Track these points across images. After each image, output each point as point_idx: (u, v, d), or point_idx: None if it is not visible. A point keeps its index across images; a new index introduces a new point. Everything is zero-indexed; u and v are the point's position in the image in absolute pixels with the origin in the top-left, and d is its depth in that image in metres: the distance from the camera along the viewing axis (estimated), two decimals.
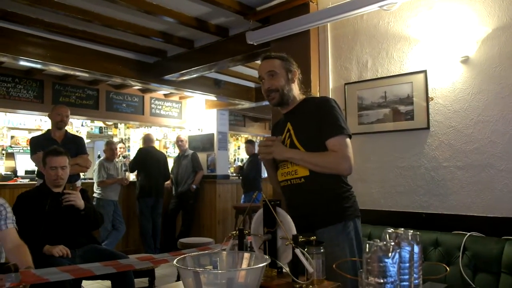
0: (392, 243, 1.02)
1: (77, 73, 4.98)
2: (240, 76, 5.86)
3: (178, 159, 6.57)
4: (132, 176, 6.59)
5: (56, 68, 4.57)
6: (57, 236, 2.75)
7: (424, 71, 2.74)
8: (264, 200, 1.46)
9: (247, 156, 7.47)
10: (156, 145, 7.22)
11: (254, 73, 5.47)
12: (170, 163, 6.60)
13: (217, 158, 6.83)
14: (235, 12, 3.55)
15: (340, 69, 3.19)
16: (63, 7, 3.50)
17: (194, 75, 5.02)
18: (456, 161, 2.62)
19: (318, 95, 3.18)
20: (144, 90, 6.83)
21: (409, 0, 2.80)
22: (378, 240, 1.02)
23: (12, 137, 7.08)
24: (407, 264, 1.07)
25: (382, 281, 0.97)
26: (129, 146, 8.22)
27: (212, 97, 6.33)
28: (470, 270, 2.30)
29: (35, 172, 4.22)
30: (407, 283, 1.06)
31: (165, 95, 7.25)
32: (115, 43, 4.45)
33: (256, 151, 7.08)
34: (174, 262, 1.08)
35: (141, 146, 6.77)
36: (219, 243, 4.49)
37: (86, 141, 5.52)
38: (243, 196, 6.86)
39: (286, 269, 1.40)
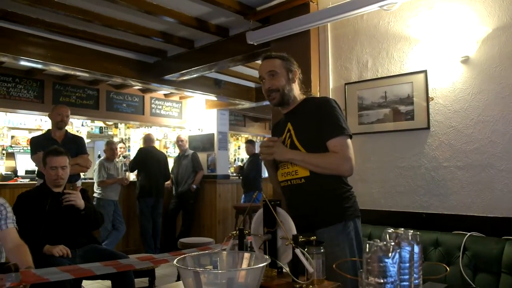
0: (392, 243, 1.02)
1: (78, 73, 4.98)
2: (240, 76, 5.86)
3: (178, 159, 6.57)
4: (132, 176, 6.59)
5: (56, 68, 4.57)
6: (57, 236, 2.75)
7: (424, 71, 2.74)
8: (264, 200, 1.46)
9: (247, 156, 7.47)
10: (156, 145, 7.22)
11: (254, 73, 5.47)
12: (171, 163, 6.60)
13: (217, 158, 6.83)
14: (235, 12, 3.55)
15: (340, 69, 3.19)
16: (63, 7, 3.50)
17: (194, 75, 5.02)
18: (456, 161, 2.62)
19: (318, 95, 3.18)
20: (144, 90, 6.83)
21: (409, 0, 2.79)
22: (378, 240, 1.02)
23: (12, 137, 7.09)
24: (407, 264, 1.07)
25: (382, 281, 0.97)
26: (129, 146, 8.22)
27: (212, 97, 6.33)
28: (470, 270, 2.30)
29: (36, 172, 4.22)
30: (407, 283, 1.06)
31: (165, 95, 7.26)
32: (116, 43, 4.45)
33: (256, 151, 7.08)
34: (174, 262, 1.08)
35: (142, 146, 6.78)
36: (219, 243, 4.49)
37: (86, 141, 5.52)
38: (243, 196, 6.86)
39: (286, 269, 1.40)
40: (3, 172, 6.30)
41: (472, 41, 2.54)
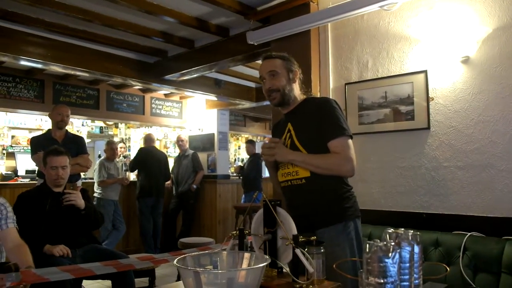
0: (393, 243, 1.02)
1: (78, 73, 4.99)
2: (240, 76, 5.87)
3: (178, 159, 6.57)
4: (132, 176, 6.59)
5: (56, 68, 4.57)
6: (57, 235, 2.75)
7: (425, 71, 2.74)
8: (265, 200, 1.46)
9: (248, 156, 7.47)
10: (157, 145, 7.22)
11: (255, 73, 5.47)
12: (171, 163, 6.60)
13: (217, 158, 6.83)
14: (235, 12, 3.55)
15: (341, 69, 3.19)
16: (63, 7, 3.50)
17: (195, 75, 5.02)
18: (457, 161, 2.61)
19: (318, 95, 3.18)
20: (145, 90, 6.83)
21: (410, 0, 2.79)
22: (379, 240, 1.02)
23: (12, 136, 7.09)
24: (407, 264, 1.07)
25: (382, 281, 0.97)
26: (129, 146, 8.22)
27: (213, 97, 6.33)
28: (470, 270, 2.30)
29: (36, 172, 4.22)
30: (407, 283, 1.06)
31: (165, 95, 7.26)
32: (116, 43, 4.45)
33: (256, 151, 7.09)
34: (175, 262, 1.08)
35: (142, 146, 6.78)
36: (219, 243, 4.49)
37: (87, 140, 5.53)
38: (243, 196, 6.86)
39: (286, 269, 1.40)
40: (4, 172, 6.30)
41: (473, 41, 2.54)
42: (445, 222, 2.59)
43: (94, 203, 4.99)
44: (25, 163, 6.11)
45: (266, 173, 7.43)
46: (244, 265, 1.18)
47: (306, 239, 1.34)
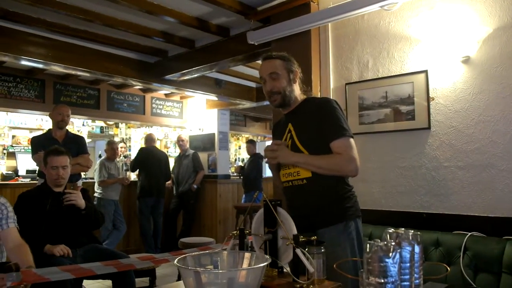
0: (393, 243, 1.02)
1: (79, 73, 4.99)
2: (241, 76, 5.87)
3: (179, 159, 6.57)
4: (133, 176, 6.59)
5: (57, 68, 4.58)
6: (58, 235, 2.75)
7: (425, 71, 2.74)
8: (265, 200, 1.46)
9: (248, 156, 7.47)
10: (157, 145, 7.23)
11: (255, 73, 5.47)
12: (171, 163, 6.60)
13: (218, 158, 6.84)
14: (236, 12, 3.55)
15: (341, 69, 3.19)
16: (64, 7, 3.51)
17: (195, 75, 5.02)
18: (457, 161, 2.61)
19: (319, 95, 3.18)
20: (145, 90, 6.83)
21: (410, 0, 2.79)
22: (379, 240, 1.02)
23: (13, 136, 7.10)
24: (408, 264, 1.06)
25: (382, 281, 0.97)
26: (130, 146, 8.23)
27: (213, 97, 6.33)
28: (471, 270, 2.30)
29: (37, 172, 4.22)
30: (407, 283, 1.06)
31: (166, 94, 7.26)
32: (116, 43, 4.46)
33: (257, 151, 7.09)
34: (175, 261, 1.08)
35: (142, 146, 6.77)
36: (220, 243, 4.50)
37: (87, 140, 5.54)
38: (244, 196, 6.86)
39: (286, 269, 1.40)
40: (4, 172, 6.31)
41: (473, 41, 2.54)
42: (445, 222, 2.59)
43: (95, 203, 4.99)
44: (26, 163, 6.11)
45: (266, 173, 7.44)
46: (245, 265, 1.18)
47: (307, 239, 1.34)
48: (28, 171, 6.08)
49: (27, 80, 5.73)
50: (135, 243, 6.09)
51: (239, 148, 11.16)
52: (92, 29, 4.14)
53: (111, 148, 5.71)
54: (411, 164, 2.80)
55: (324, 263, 1.32)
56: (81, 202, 2.85)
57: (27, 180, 5.62)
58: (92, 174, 5.97)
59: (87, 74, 4.93)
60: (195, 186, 6.33)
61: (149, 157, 5.99)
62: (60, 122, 3.95)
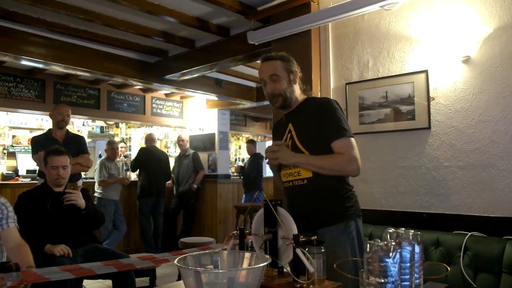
0: (393, 243, 1.02)
1: (79, 73, 4.99)
2: (241, 75, 5.87)
3: (179, 159, 6.57)
4: (133, 176, 6.59)
5: (57, 68, 4.58)
6: (58, 235, 2.76)
7: (425, 71, 2.73)
8: (265, 199, 1.46)
9: (248, 156, 7.47)
10: (158, 145, 7.23)
11: (255, 73, 5.47)
12: (172, 163, 6.60)
13: (218, 157, 6.84)
14: (236, 12, 3.55)
15: (341, 69, 3.19)
16: (64, 7, 3.51)
17: (195, 75, 5.02)
18: (457, 161, 2.61)
19: (319, 95, 3.18)
20: (145, 90, 6.83)
21: (410, 0, 2.79)
22: (379, 240, 1.02)
23: (13, 136, 7.10)
24: (408, 264, 1.06)
25: (383, 281, 0.96)
26: (130, 146, 8.23)
27: (213, 97, 6.33)
28: (471, 270, 2.30)
29: (37, 172, 4.22)
30: (408, 283, 1.06)
31: (166, 94, 7.26)
32: (117, 42, 4.46)
33: (257, 151, 7.09)
34: (175, 261, 1.07)
35: (143, 146, 6.77)
36: (220, 242, 4.50)
37: (87, 140, 5.53)
38: (244, 195, 6.86)
39: (287, 268, 1.40)
40: (4, 172, 6.31)
41: (473, 41, 2.53)
42: (445, 222, 2.59)
43: (95, 202, 4.99)
44: (26, 162, 6.12)
45: (266, 173, 7.44)
46: (245, 264, 1.18)
47: (307, 239, 1.34)
48: (28, 171, 6.08)
49: (27, 80, 5.73)
50: (135, 243, 6.09)
51: (239, 148, 11.16)
52: (92, 29, 4.14)
53: (111, 148, 5.71)
54: (411, 164, 2.80)
55: (324, 263, 1.32)
56: (81, 202, 2.85)
57: (27, 180, 5.62)
58: (92, 174, 5.97)
59: (87, 74, 4.93)
60: (195, 186, 6.33)
61: (149, 157, 5.99)
62: (60, 122, 3.95)
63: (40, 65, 4.49)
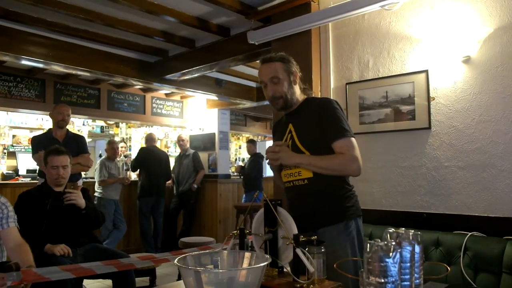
0: (393, 243, 1.02)
1: (79, 73, 4.99)
2: (241, 75, 5.87)
3: (179, 159, 6.57)
4: (133, 176, 6.59)
5: (57, 68, 4.58)
6: (58, 235, 2.76)
7: (426, 71, 2.73)
8: (265, 199, 1.46)
9: (248, 156, 7.47)
10: (158, 144, 7.23)
11: (255, 73, 5.42)
12: (172, 163, 6.60)
13: (218, 157, 6.84)
14: (236, 11, 3.55)
15: (342, 69, 3.19)
16: (65, 7, 3.51)
17: (195, 75, 5.02)
18: (458, 161, 2.61)
19: (319, 95, 3.18)
20: (146, 90, 6.83)
21: (411, 0, 2.79)
22: (379, 240, 1.02)
23: (13, 136, 7.10)
24: (408, 264, 1.06)
25: (383, 280, 0.96)
26: (130, 146, 8.23)
27: (213, 97, 6.33)
28: (471, 270, 2.30)
29: (37, 171, 4.22)
30: (408, 283, 1.06)
31: (166, 94, 7.26)
32: (117, 42, 4.46)
33: (257, 151, 7.09)
34: (175, 261, 1.07)
35: (143, 146, 6.77)
36: (220, 242, 4.50)
37: (88, 140, 5.53)
38: (244, 195, 6.87)
39: (287, 268, 1.40)
40: (5, 171, 6.30)
41: (474, 41, 2.53)
42: (446, 222, 2.59)
43: (95, 202, 5.00)
44: (26, 162, 6.12)
45: (266, 173, 7.44)
46: (245, 264, 1.17)
47: (307, 239, 1.34)
48: (28, 171, 6.08)
49: (28, 79, 5.73)
50: (135, 242, 6.09)
51: (240, 148, 11.16)
52: (92, 28, 4.14)
53: (112, 148, 5.71)
54: (411, 164, 2.80)
55: (324, 263, 1.32)
56: (82, 202, 2.85)
57: (28, 180, 5.62)
58: (93, 173, 5.97)
59: (88, 74, 4.93)
60: (195, 186, 6.33)
61: (150, 157, 5.99)
62: (60, 122, 3.95)
63: (41, 65, 4.49)
